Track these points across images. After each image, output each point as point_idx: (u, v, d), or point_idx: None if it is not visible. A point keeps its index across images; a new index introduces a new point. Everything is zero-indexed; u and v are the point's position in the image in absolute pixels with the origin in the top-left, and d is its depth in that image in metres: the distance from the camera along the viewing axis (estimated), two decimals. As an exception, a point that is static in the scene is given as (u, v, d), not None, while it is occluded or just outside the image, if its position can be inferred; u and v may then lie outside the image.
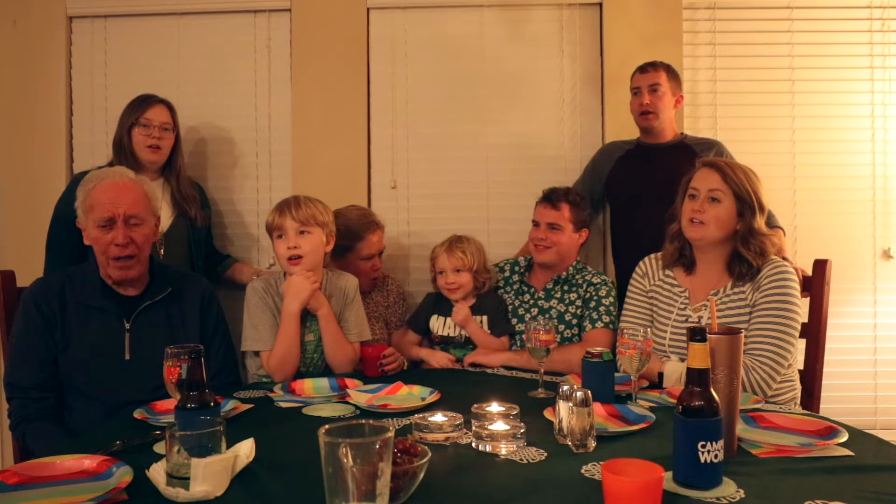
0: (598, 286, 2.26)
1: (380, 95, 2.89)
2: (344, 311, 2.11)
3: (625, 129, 2.64)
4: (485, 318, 2.29)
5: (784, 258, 2.30)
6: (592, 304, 2.23)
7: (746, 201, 1.81)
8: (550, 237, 2.27)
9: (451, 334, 2.29)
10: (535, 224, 2.33)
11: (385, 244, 2.49)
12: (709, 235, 1.84)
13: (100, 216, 1.79)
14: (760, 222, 1.82)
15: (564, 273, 2.31)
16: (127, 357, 1.80)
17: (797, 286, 1.80)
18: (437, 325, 2.33)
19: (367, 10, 2.87)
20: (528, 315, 2.31)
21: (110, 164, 2.37)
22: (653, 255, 2.07)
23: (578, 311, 2.26)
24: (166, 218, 2.39)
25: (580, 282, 2.30)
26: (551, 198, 2.30)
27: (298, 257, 1.99)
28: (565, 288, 2.31)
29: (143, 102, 2.38)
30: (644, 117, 2.50)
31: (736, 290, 1.85)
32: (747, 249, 1.82)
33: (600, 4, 2.85)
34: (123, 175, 1.88)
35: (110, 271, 1.82)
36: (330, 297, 2.09)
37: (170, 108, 2.43)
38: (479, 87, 2.88)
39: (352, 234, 2.35)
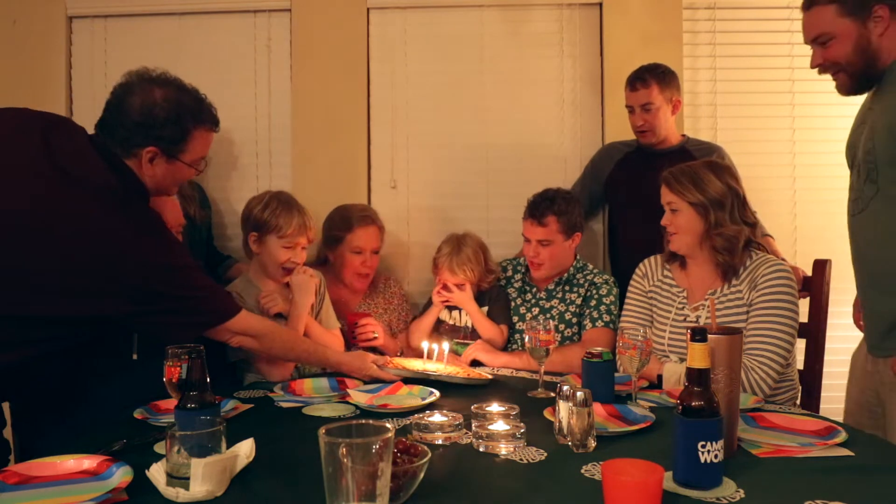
0: (599, 286, 2.26)
1: (380, 95, 2.89)
2: (322, 304, 2.17)
3: (625, 128, 2.63)
4: (484, 308, 2.33)
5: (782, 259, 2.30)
6: (593, 302, 2.23)
7: (699, 204, 1.85)
8: (542, 253, 2.25)
9: (458, 325, 2.32)
10: (527, 240, 2.30)
11: (380, 245, 2.46)
12: (682, 244, 1.90)
13: None
14: (721, 217, 1.84)
15: (566, 274, 2.31)
16: (134, 357, 1.80)
17: (795, 286, 1.81)
18: (444, 315, 2.38)
19: (367, 10, 2.87)
20: (529, 314, 2.31)
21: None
22: (653, 256, 2.07)
23: (579, 311, 2.26)
24: (167, 218, 2.39)
25: (581, 281, 2.30)
26: (535, 214, 2.24)
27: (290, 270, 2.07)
28: (567, 288, 2.31)
29: None
30: (641, 135, 2.50)
31: (733, 289, 1.85)
32: (716, 247, 1.85)
33: (600, 4, 2.85)
34: None
35: None
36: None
37: None
38: (479, 86, 2.88)
39: (345, 224, 2.37)
